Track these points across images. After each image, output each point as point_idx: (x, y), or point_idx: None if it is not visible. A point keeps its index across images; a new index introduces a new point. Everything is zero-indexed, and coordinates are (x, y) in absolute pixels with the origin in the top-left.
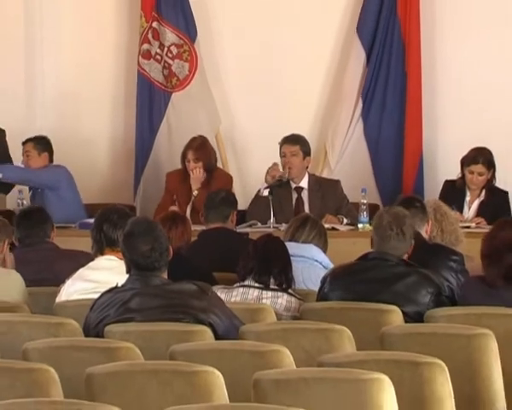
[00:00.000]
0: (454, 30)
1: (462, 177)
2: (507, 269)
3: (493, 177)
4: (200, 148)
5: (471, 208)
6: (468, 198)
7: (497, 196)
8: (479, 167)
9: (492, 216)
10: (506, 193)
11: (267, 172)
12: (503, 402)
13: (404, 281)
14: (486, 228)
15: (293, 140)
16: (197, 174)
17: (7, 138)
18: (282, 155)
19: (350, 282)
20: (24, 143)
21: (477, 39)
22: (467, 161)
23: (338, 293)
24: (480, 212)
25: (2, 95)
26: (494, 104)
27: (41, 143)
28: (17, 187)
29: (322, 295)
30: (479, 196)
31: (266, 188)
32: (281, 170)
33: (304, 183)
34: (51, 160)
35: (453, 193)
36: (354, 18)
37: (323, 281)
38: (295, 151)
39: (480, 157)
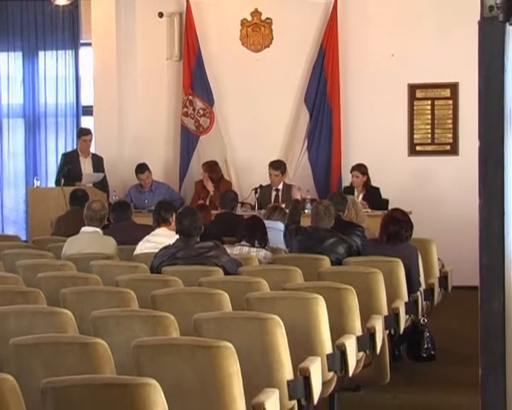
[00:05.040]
0: (359, 103)
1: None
2: (388, 233)
3: (368, 179)
4: (208, 166)
5: (358, 199)
6: (356, 193)
7: (372, 191)
8: (355, 173)
9: (371, 202)
10: (378, 188)
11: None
12: (385, 308)
13: (330, 241)
14: (368, 210)
15: (276, 166)
16: (205, 182)
17: (104, 163)
18: (269, 174)
19: (301, 239)
20: (143, 172)
21: (373, 105)
22: (351, 171)
23: (296, 243)
24: (364, 200)
25: (103, 134)
26: (381, 143)
27: (147, 168)
28: (111, 187)
29: (287, 241)
30: (362, 191)
31: (253, 189)
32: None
33: (280, 187)
34: None
35: (350, 190)
36: (302, 94)
37: (285, 232)
38: (277, 174)
39: (356, 168)
